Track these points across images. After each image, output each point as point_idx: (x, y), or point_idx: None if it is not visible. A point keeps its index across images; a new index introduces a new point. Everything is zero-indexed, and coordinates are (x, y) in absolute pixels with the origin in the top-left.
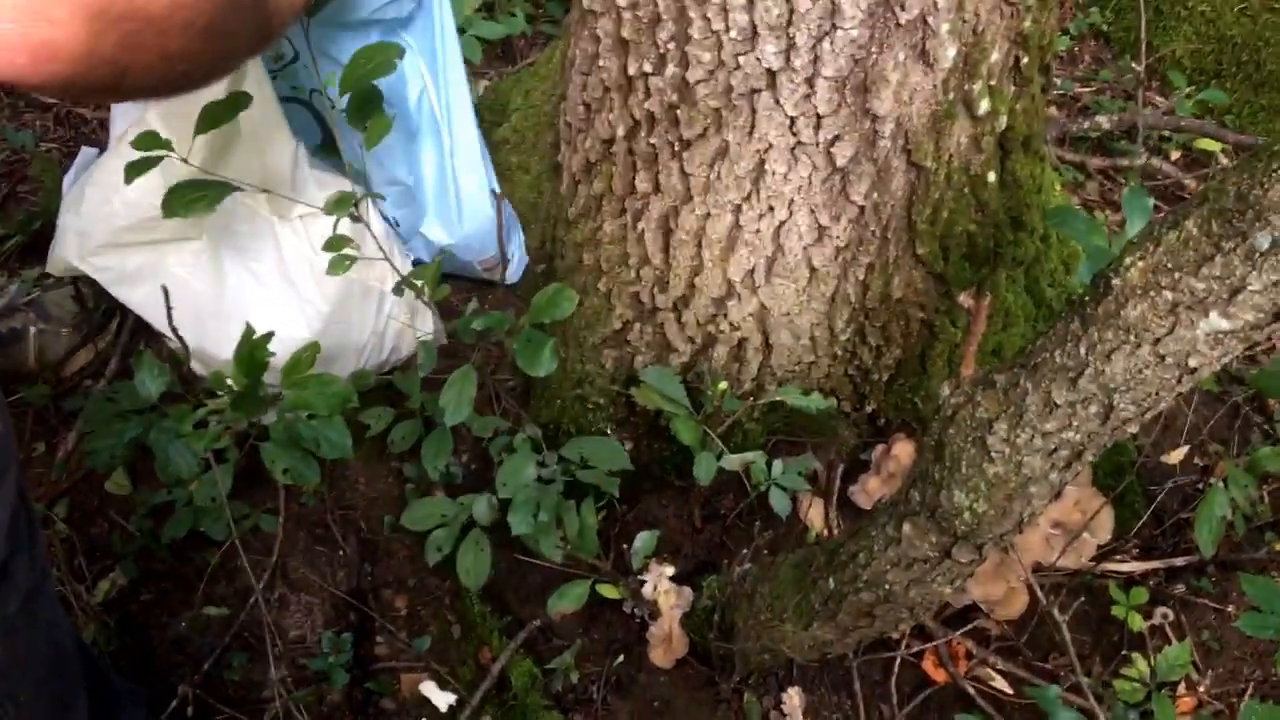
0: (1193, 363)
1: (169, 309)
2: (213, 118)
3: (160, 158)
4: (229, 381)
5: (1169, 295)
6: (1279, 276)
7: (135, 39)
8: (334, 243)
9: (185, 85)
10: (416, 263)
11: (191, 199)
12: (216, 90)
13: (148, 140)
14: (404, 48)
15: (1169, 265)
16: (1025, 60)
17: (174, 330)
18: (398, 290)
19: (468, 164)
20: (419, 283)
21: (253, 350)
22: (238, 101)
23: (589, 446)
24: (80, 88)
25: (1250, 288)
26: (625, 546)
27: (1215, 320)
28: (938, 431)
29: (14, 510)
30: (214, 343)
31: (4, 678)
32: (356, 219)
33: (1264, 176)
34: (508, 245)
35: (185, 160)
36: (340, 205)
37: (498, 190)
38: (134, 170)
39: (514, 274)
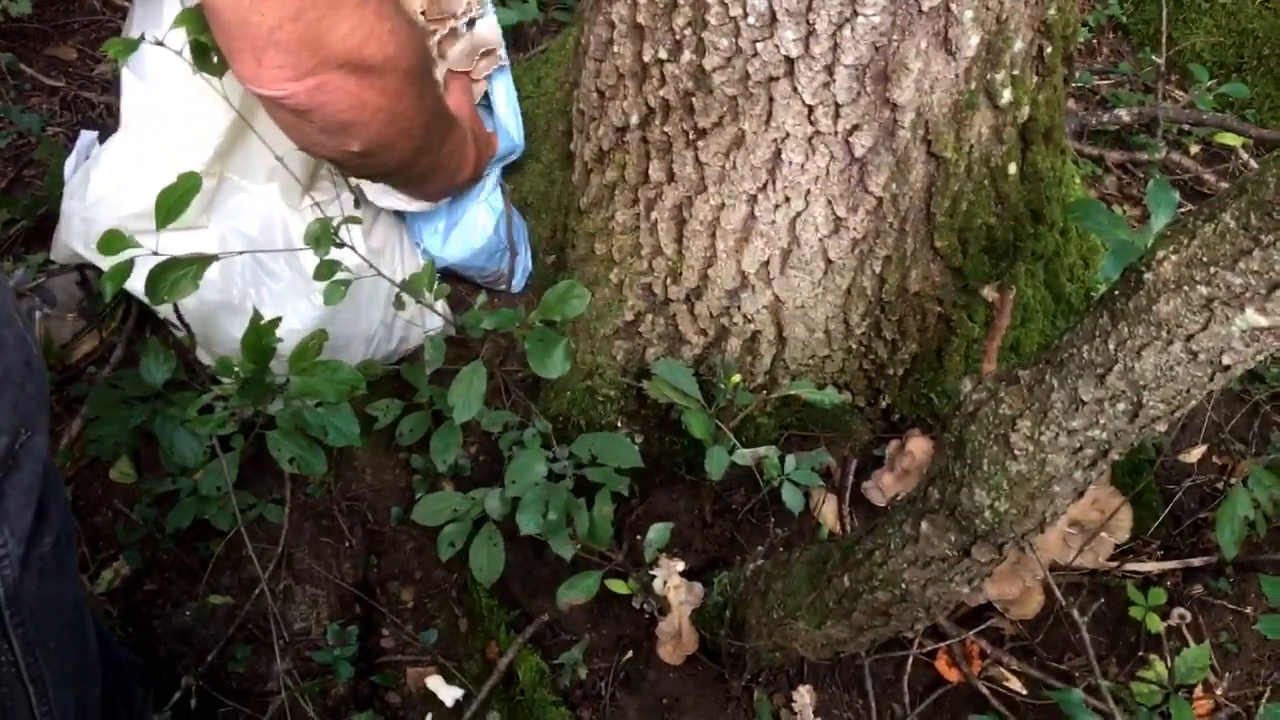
0: (1226, 360)
1: None
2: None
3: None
4: (235, 368)
5: (1203, 290)
6: None
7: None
8: (324, 270)
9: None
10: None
11: (175, 279)
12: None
13: (113, 241)
14: None
15: (1204, 259)
16: (1049, 50)
17: (179, 317)
18: (397, 304)
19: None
20: (418, 287)
21: (260, 336)
22: None
23: (599, 443)
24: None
25: None
26: (639, 538)
27: (1252, 316)
28: (959, 428)
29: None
30: (221, 332)
31: (35, 622)
32: (340, 245)
33: None
34: (515, 256)
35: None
36: (322, 239)
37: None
38: (113, 279)
39: (518, 284)
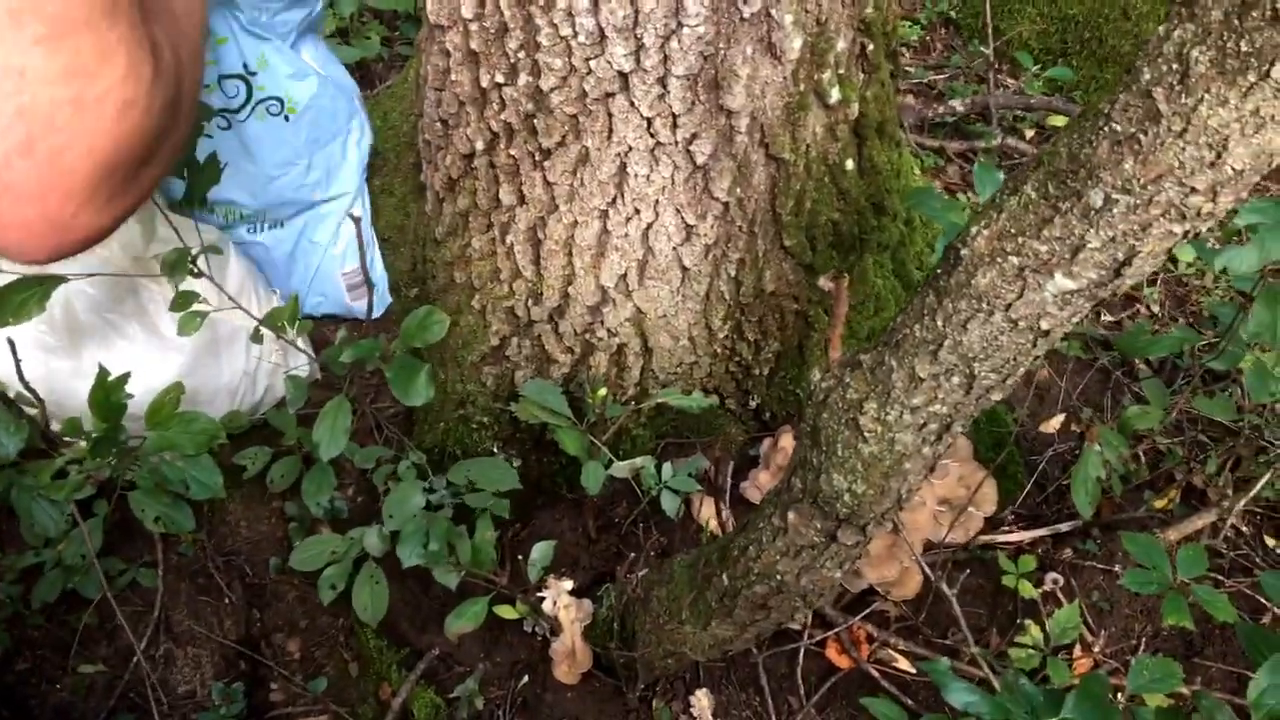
0: (1044, 325)
1: (18, 363)
2: None
3: None
4: (87, 429)
5: (1015, 260)
6: (1115, 232)
7: None
8: (180, 300)
9: None
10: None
11: (21, 301)
12: None
13: None
14: None
15: (1012, 231)
16: (871, 47)
17: (26, 385)
18: (255, 337)
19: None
20: (280, 324)
21: (108, 392)
22: None
23: (476, 468)
24: None
25: (1090, 245)
26: (520, 559)
27: (1061, 281)
28: (812, 417)
29: None
30: (75, 401)
31: None
32: (198, 275)
33: (1092, 134)
34: (370, 271)
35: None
36: (177, 268)
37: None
38: None
39: (378, 308)
